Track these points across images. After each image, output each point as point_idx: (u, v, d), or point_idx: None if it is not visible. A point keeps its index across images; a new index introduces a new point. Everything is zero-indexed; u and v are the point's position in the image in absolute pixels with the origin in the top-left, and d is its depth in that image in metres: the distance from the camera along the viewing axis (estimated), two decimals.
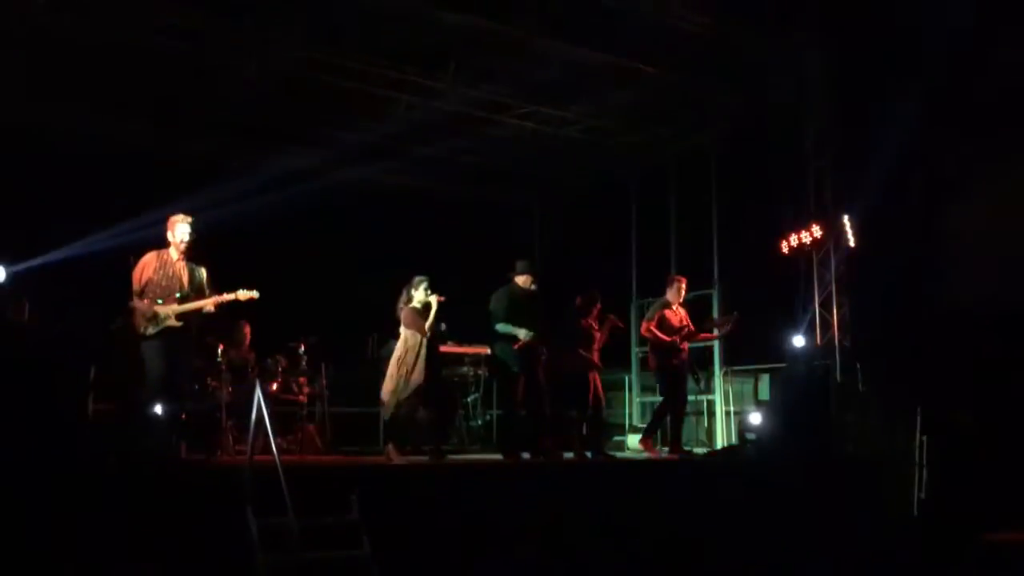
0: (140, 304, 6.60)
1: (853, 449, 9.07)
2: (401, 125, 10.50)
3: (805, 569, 7.66)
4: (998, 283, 10.32)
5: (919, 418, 9.32)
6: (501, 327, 8.22)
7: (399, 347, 7.70)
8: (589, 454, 8.60)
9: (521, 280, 8.36)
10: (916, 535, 8.84)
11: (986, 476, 9.16)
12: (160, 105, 9.81)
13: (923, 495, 9.15)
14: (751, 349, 10.80)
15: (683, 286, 9.34)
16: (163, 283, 6.64)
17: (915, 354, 10.44)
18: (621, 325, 9.33)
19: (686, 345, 9.24)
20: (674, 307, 9.23)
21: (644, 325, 9.31)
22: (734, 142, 11.02)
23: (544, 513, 7.01)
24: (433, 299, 7.69)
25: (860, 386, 9.73)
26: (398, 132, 10.72)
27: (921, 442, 9.30)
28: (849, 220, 10.12)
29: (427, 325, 7.66)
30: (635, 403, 11.97)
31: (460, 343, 10.03)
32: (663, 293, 9.41)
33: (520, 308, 8.24)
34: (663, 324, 9.10)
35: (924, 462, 9.22)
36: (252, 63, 9.05)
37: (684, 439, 9.61)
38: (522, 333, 8.07)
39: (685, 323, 9.24)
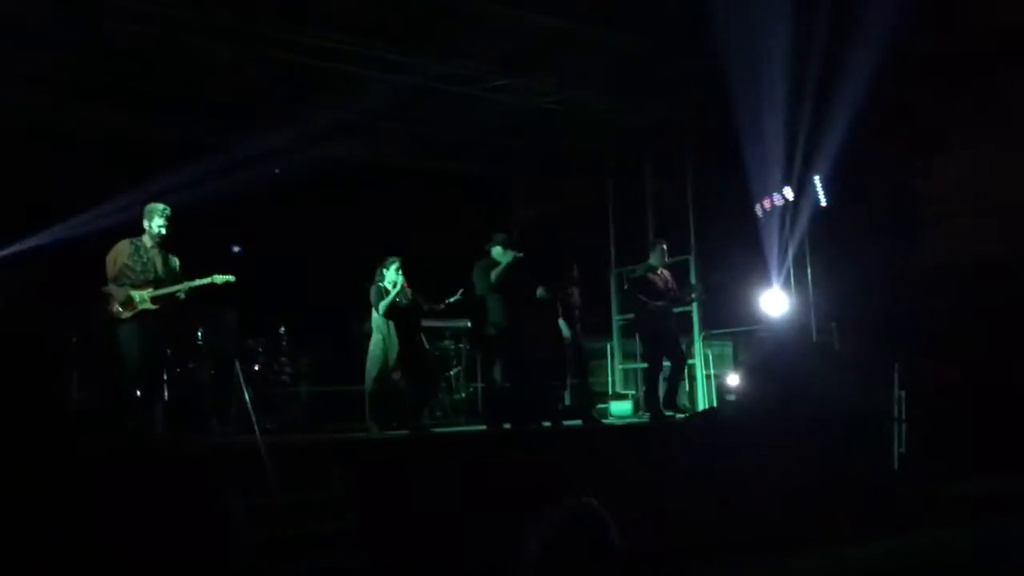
0: (115, 289, 6.64)
1: (832, 406, 9.20)
2: (374, 101, 10.45)
3: (786, 525, 7.80)
4: (972, 239, 10.45)
5: (897, 374, 9.47)
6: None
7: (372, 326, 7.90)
8: (577, 422, 8.73)
9: (497, 253, 8.43)
10: (897, 488, 8.99)
11: (963, 428, 9.33)
12: (132, 89, 9.73)
13: (903, 449, 9.31)
14: (729, 312, 10.91)
15: (665, 249, 9.57)
16: (137, 268, 6.71)
17: (890, 310, 10.57)
18: None
19: None
20: (658, 271, 9.39)
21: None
22: (708, 107, 11.04)
23: (531, 482, 7.10)
24: (399, 280, 7.89)
25: (836, 344, 9.86)
26: (371, 108, 10.68)
27: (900, 397, 9.45)
28: (819, 180, 10.20)
29: (383, 304, 7.80)
30: (617, 370, 12.06)
31: (441, 317, 10.10)
32: (644, 260, 9.58)
33: (500, 279, 8.33)
34: (648, 288, 9.24)
35: (903, 417, 9.37)
36: (223, 46, 8.98)
37: (664, 403, 9.72)
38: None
39: (671, 286, 9.42)
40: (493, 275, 8.32)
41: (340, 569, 5.87)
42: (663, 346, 9.38)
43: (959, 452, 9.04)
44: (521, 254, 8.35)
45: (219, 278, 6.83)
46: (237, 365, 6.53)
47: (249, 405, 6.31)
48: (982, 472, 9.01)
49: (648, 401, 9.56)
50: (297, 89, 10.21)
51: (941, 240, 10.20)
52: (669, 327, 9.40)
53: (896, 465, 9.26)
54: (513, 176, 13.46)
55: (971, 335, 10.37)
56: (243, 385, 6.44)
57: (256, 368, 8.79)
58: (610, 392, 11.50)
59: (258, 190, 9.88)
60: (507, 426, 8.26)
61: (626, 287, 10.53)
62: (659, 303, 9.19)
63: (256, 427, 6.22)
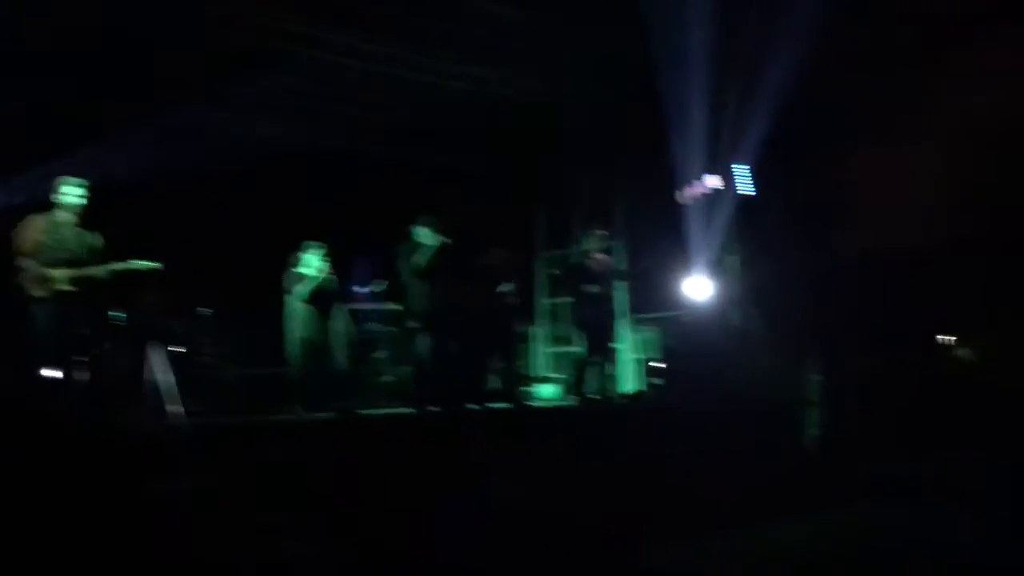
0: (30, 265, 6.38)
1: (754, 390, 9.43)
2: (307, 82, 10.30)
3: (703, 505, 7.98)
4: (896, 230, 10.77)
5: (816, 358, 9.74)
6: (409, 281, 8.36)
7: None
8: (505, 404, 8.82)
9: (422, 235, 8.45)
10: (809, 471, 9.26)
11: (884, 414, 9.63)
12: (48, 59, 9.39)
13: (820, 432, 9.59)
14: (657, 298, 11.09)
15: (602, 235, 9.78)
16: (54, 246, 6.44)
17: (813, 297, 10.85)
18: None
19: None
20: (594, 256, 9.60)
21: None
22: (636, 95, 11.14)
23: (458, 463, 7.15)
24: (325, 266, 7.89)
25: (758, 329, 10.10)
26: (302, 89, 10.52)
27: (817, 381, 9.73)
28: (743, 168, 10.42)
29: (305, 288, 7.81)
30: (544, 354, 12.18)
31: (368, 300, 10.06)
32: (573, 245, 9.77)
33: (425, 262, 8.34)
34: (583, 273, 9.44)
35: (821, 401, 9.65)
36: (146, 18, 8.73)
37: (593, 387, 9.84)
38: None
39: (605, 272, 9.62)
40: (419, 259, 8.34)
41: (272, 557, 5.83)
42: (592, 331, 9.52)
43: (879, 436, 9.33)
44: (450, 240, 8.38)
45: (141, 264, 6.60)
46: (160, 347, 6.41)
47: (173, 388, 6.21)
48: (904, 456, 9.31)
49: (577, 385, 9.71)
50: (229, 66, 9.98)
51: (866, 230, 10.49)
52: (599, 313, 9.56)
53: (813, 448, 9.53)
54: (441, 162, 13.38)
55: (894, 323, 10.70)
56: (167, 368, 6.33)
57: (181, 350, 8.63)
58: (536, 375, 11.62)
59: (182, 169, 9.64)
60: (435, 408, 8.30)
61: (558, 272, 10.64)
62: (592, 288, 9.35)
63: (181, 410, 6.14)
